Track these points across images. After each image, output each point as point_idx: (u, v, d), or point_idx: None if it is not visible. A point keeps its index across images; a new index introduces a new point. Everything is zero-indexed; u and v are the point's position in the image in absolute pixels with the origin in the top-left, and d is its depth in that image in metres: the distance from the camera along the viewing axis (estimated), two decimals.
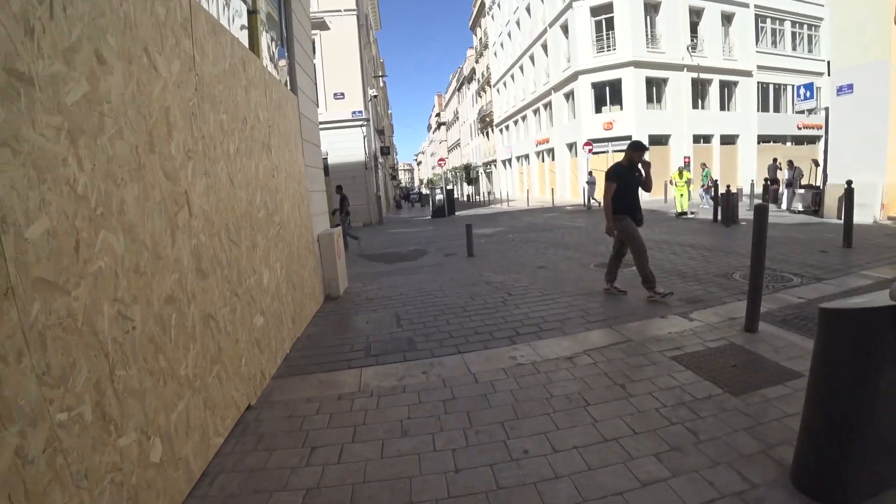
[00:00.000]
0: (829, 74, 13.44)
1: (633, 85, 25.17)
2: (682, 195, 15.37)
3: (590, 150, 24.00)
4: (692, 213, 15.40)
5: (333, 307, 6.00)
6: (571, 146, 28.78)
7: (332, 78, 19.69)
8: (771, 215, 14.13)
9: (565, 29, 28.03)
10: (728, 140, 29.07)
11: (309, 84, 6.62)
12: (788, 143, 31.91)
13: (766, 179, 19.18)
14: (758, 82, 29.75)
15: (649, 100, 26.17)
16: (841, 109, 12.43)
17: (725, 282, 6.01)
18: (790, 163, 16.10)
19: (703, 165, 18.40)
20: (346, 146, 19.62)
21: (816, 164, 17.07)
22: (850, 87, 12.10)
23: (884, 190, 11.75)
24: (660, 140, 26.23)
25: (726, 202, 12.64)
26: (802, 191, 15.07)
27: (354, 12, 20.14)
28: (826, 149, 13.37)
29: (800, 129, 32.04)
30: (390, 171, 47.78)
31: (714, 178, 16.70)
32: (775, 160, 16.50)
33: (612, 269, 5.75)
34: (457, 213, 23.60)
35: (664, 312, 4.79)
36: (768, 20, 30.34)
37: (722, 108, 28.86)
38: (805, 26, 32.26)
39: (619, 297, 5.52)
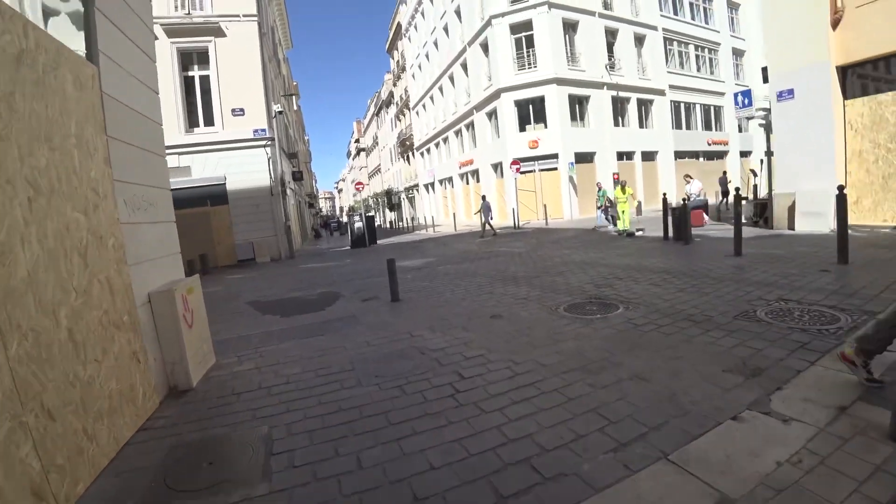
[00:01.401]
0: (764, 81, 12.92)
1: (557, 102, 24.55)
2: (623, 212, 14.22)
3: (517, 170, 22.89)
4: (638, 231, 14.28)
5: (173, 414, 3.56)
6: (497, 166, 27.71)
7: (229, 91, 16.98)
8: (715, 229, 13.52)
9: (485, 47, 27.16)
10: (648, 156, 29.43)
11: (139, 57, 4.27)
12: (701, 159, 33.07)
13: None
14: (670, 101, 30.54)
15: (573, 117, 25.70)
16: (783, 116, 11.81)
17: (758, 327, 4.29)
18: (724, 174, 15.62)
19: (599, 185, 18.00)
20: (246, 169, 16.86)
21: (754, 173, 16.82)
22: (791, 91, 11.50)
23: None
24: (585, 157, 25.77)
25: (682, 218, 11.51)
26: (744, 202, 14.46)
27: (255, 18, 17.66)
28: (769, 157, 12.84)
29: (710, 144, 33.47)
30: (307, 198, 44.57)
31: (609, 199, 16.85)
32: (686, 176, 15.90)
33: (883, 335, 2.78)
34: (379, 242, 21.33)
35: (728, 403, 2.90)
36: (675, 43, 31.50)
37: (641, 125, 29.19)
38: (707, 50, 33.98)
39: (643, 379, 3.50)
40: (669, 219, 11.95)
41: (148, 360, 3.63)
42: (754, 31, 36.99)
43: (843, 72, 10.89)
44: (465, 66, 30.51)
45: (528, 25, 24.92)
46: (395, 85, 52.35)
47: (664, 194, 12.74)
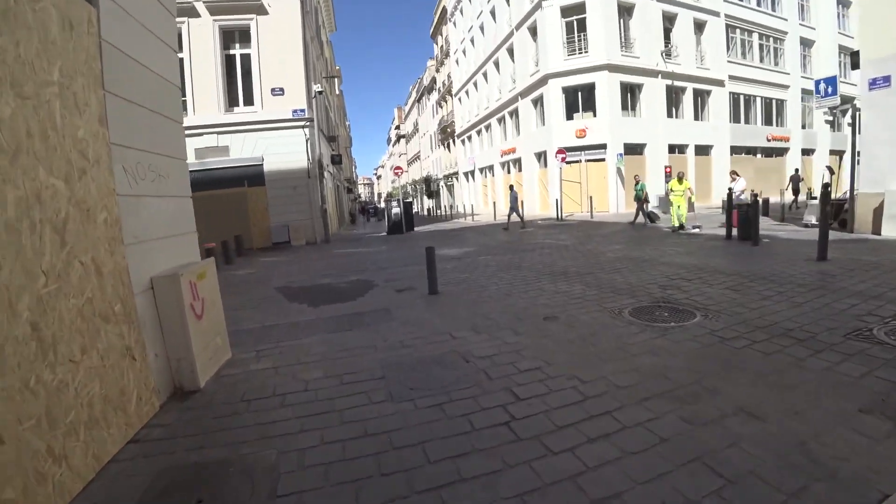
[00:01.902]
0: (852, 68, 11.55)
1: (608, 90, 23.27)
2: (679, 206, 13.12)
3: (563, 159, 21.83)
4: (694, 227, 13.16)
5: (172, 422, 3.02)
6: (540, 156, 26.68)
7: (270, 70, 16.64)
8: (783, 231, 12.26)
9: (533, 31, 26.04)
10: (702, 150, 27.78)
11: (154, 8, 3.72)
12: (759, 155, 31.10)
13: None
14: (729, 92, 28.67)
15: (623, 107, 24.35)
16: (875, 106, 10.51)
17: (883, 351, 3.42)
18: (797, 171, 14.23)
19: (637, 178, 16.85)
20: (285, 150, 16.53)
21: (831, 171, 15.35)
22: (887, 79, 10.20)
23: None
24: (635, 149, 24.44)
25: (752, 215, 10.41)
26: (815, 201, 13.17)
27: None
28: (853, 153, 11.49)
29: (769, 140, 31.36)
30: (346, 183, 44.53)
31: (647, 193, 16.16)
32: (733, 173, 14.48)
33: None
34: (416, 229, 20.75)
35: (888, 462, 2.12)
36: (738, 31, 29.52)
37: (696, 117, 27.51)
38: (772, 39, 31.74)
39: (754, 415, 2.72)
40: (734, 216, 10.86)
41: (146, 357, 3.09)
42: (826, 19, 34.39)
43: None
44: (511, 52, 29.44)
45: (580, 8, 23.64)
46: (437, 71, 51.55)
47: (729, 189, 11.58)
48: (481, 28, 34.58)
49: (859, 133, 11.22)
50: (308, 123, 16.75)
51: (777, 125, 32.39)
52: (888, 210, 10.26)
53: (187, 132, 17.14)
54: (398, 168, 20.29)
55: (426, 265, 6.28)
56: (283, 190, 16.56)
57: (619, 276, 6.87)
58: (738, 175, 14.26)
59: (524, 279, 6.99)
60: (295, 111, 16.63)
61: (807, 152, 34.14)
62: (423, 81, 60.18)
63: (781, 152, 32.63)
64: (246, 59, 16.89)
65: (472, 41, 37.15)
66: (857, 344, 3.61)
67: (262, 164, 16.58)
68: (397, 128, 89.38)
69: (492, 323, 4.77)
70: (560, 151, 21.80)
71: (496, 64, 32.21)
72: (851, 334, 3.85)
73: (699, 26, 27.24)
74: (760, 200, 11.49)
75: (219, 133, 16.33)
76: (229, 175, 16.22)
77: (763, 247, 9.29)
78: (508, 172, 32.18)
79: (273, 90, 16.65)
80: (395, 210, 19.59)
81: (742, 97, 29.93)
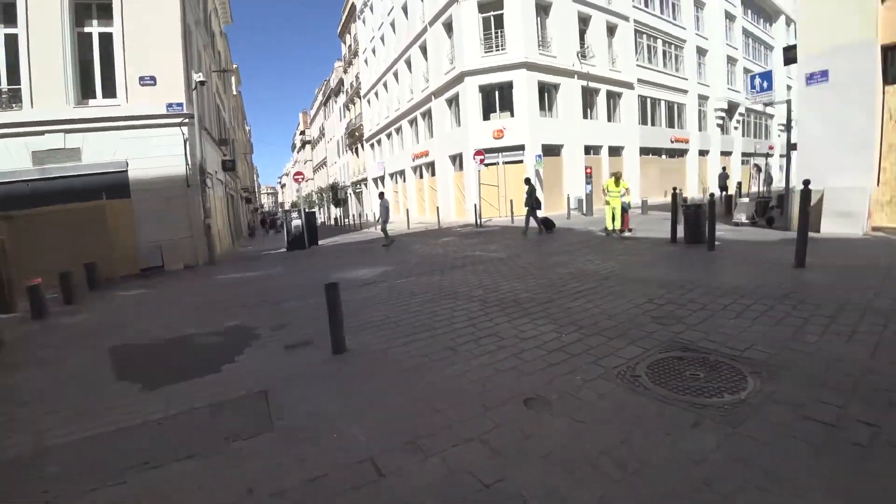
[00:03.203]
0: (784, 63, 11.11)
1: (526, 89, 22.33)
2: (615, 208, 12.08)
3: (481, 161, 20.47)
4: (630, 230, 12.19)
5: None
6: (456, 158, 25.26)
7: (138, 55, 13.42)
8: (724, 231, 11.50)
9: (449, 27, 24.59)
10: (615, 151, 27.99)
11: None
12: (664, 156, 32.07)
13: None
14: (638, 95, 29.18)
15: (541, 107, 23.58)
16: (812, 102, 10.02)
17: None
18: (724, 170, 13.85)
19: (527, 180, 15.40)
20: (156, 153, 13.39)
21: (758, 169, 15.19)
22: (825, 73, 9.74)
23: (870, 196, 9.43)
24: (552, 150, 23.77)
25: (696, 216, 9.43)
26: (746, 199, 12.76)
27: None
28: (788, 149, 11.04)
29: (672, 142, 32.50)
30: (244, 192, 40.45)
31: (537, 198, 14.78)
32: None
33: None
34: (321, 243, 18.17)
35: None
36: (645, 36, 30.26)
37: (609, 118, 27.59)
38: (673, 46, 33.02)
39: None
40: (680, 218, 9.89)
41: None
42: (718, 31, 36.63)
43: (886, 53, 9.23)
44: (424, 49, 27.82)
45: (497, 4, 22.53)
46: (345, 72, 48.92)
47: (675, 188, 10.62)
48: (392, 25, 32.70)
49: (794, 130, 10.79)
50: (187, 121, 13.77)
51: (678, 128, 33.71)
52: (828, 207, 9.81)
53: (22, 129, 13.59)
54: (299, 174, 17.67)
55: (328, 309, 4.17)
56: (154, 202, 13.39)
57: (591, 303, 5.23)
58: (621, 176, 13.88)
59: (468, 316, 5.13)
60: (170, 105, 13.58)
61: (703, 153, 36.02)
62: (330, 83, 57.17)
63: (682, 153, 34.06)
64: (106, 39, 13.54)
65: (382, 39, 35.18)
66: None
67: (125, 171, 13.32)
68: (302, 133, 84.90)
69: (443, 424, 2.78)
70: (478, 153, 20.43)
71: (408, 63, 30.47)
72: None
73: (611, 30, 27.37)
74: (717, 198, 10.68)
75: (67, 132, 12.92)
76: (81, 185, 12.87)
77: (721, 251, 8.24)
78: (421, 177, 30.56)
79: (142, 79, 13.51)
80: (296, 222, 16.86)
81: (649, 100, 30.68)
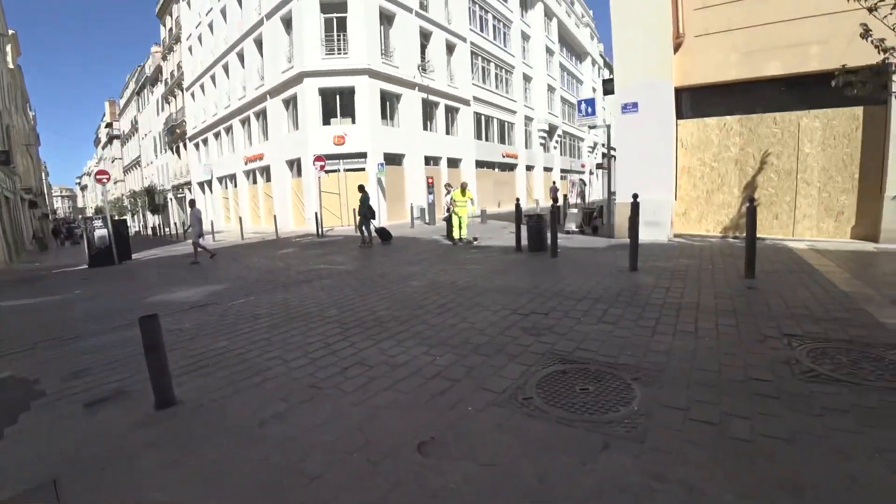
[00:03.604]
0: (603, 94, 12.59)
1: (368, 96, 22.04)
2: (461, 217, 12.45)
3: (322, 167, 19.58)
4: (475, 239, 12.64)
5: None
6: (293, 163, 23.95)
7: None
8: (559, 238, 12.62)
9: (287, 23, 23.15)
10: (453, 163, 29.28)
11: None
12: (496, 169, 34.55)
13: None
14: (474, 112, 30.97)
15: (383, 115, 23.53)
16: (626, 127, 11.56)
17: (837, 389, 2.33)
18: (554, 184, 15.21)
19: (361, 188, 14.54)
20: None
21: (584, 183, 16.91)
22: (636, 105, 11.30)
23: (672, 208, 11.21)
24: (394, 159, 23.89)
25: (539, 227, 10.08)
26: (575, 210, 14.19)
27: None
28: (609, 166, 12.51)
29: (504, 157, 35.26)
30: (27, 194, 32.92)
31: (371, 207, 14.10)
32: (447, 185, 15.21)
33: None
34: (135, 257, 15.35)
35: None
36: (480, 58, 32.29)
37: (447, 132, 28.75)
38: (504, 70, 35.88)
39: None
40: (524, 228, 10.52)
41: None
42: (540, 62, 40.93)
43: (679, 93, 11.10)
44: (259, 43, 25.81)
45: (341, 7, 21.87)
46: (164, 59, 43.18)
47: (517, 199, 11.27)
48: (223, 12, 29.73)
49: (613, 151, 12.30)
50: None
51: (508, 144, 36.69)
52: (641, 217, 11.35)
53: None
54: (103, 173, 14.68)
55: (144, 349, 3.17)
56: None
57: (456, 317, 5.04)
58: (451, 186, 14.79)
59: (325, 341, 4.49)
60: None
61: (529, 168, 39.82)
62: (146, 70, 50.02)
63: (512, 167, 37.17)
64: None
65: (210, 27, 31.77)
66: (818, 388, 2.52)
67: None
68: (109, 126, 72.82)
69: (323, 498, 2.14)
70: (319, 159, 19.50)
71: (240, 56, 27.98)
72: (806, 376, 2.79)
73: (450, 48, 28.60)
74: (560, 208, 11.58)
75: None
76: None
77: (562, 258, 8.89)
78: (255, 182, 28.34)
79: None
80: (100, 232, 13.79)
81: (483, 117, 32.80)
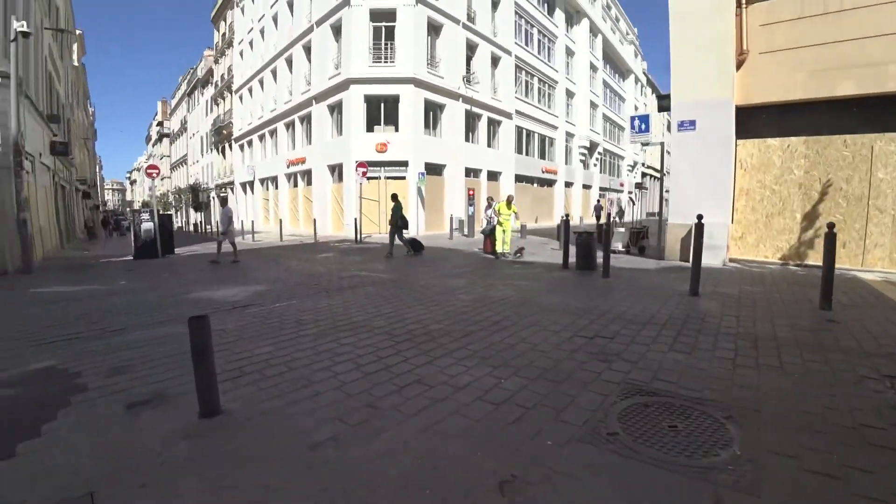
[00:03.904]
0: (658, 111, 12.12)
1: (413, 105, 22.02)
2: (505, 231, 12.14)
3: (364, 174, 19.49)
4: (517, 254, 12.27)
5: None
6: (335, 169, 24.06)
7: None
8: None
9: (337, 30, 23.46)
10: (493, 176, 28.99)
11: None
12: (535, 185, 34.06)
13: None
14: (516, 125, 30.66)
15: (426, 125, 23.45)
16: (682, 146, 11.04)
17: None
18: (598, 202, 14.73)
19: (394, 196, 13.85)
20: None
21: (633, 202, 16.37)
22: (693, 123, 10.77)
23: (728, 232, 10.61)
24: (435, 169, 23.72)
25: (588, 244, 9.65)
26: (623, 229, 13.67)
27: None
28: (661, 186, 11.98)
29: (543, 172, 34.73)
30: (81, 185, 34.34)
31: (404, 216, 13.55)
32: (489, 198, 14.67)
33: None
34: (178, 252, 15.44)
35: None
36: (523, 72, 32.02)
37: (489, 144, 28.51)
38: (546, 84, 35.47)
39: None
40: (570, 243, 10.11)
41: None
42: (583, 78, 40.42)
43: (739, 112, 10.59)
44: (308, 49, 26.24)
45: (391, 15, 22.02)
46: (216, 62, 44.62)
47: (566, 215, 10.88)
48: (274, 19, 30.49)
49: (668, 170, 11.77)
50: (0, 81, 10.87)
51: (548, 159, 36.18)
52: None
53: None
54: (154, 168, 15.04)
55: (192, 353, 2.92)
56: None
57: (514, 336, 4.68)
58: (493, 200, 14.40)
59: (376, 354, 4.20)
60: None
61: (568, 185, 39.17)
62: (197, 73, 51.87)
63: (551, 183, 36.60)
64: None
65: (261, 32, 32.64)
66: None
67: None
68: (160, 124, 75.85)
69: None
70: (361, 165, 19.44)
71: (289, 61, 28.54)
72: None
73: (495, 61, 28.47)
74: (610, 225, 11.12)
75: None
76: None
77: (615, 279, 8.42)
78: (295, 186, 28.63)
79: None
80: (146, 225, 14.04)
81: (524, 131, 32.45)
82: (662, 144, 11.90)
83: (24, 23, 10.86)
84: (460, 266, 10.65)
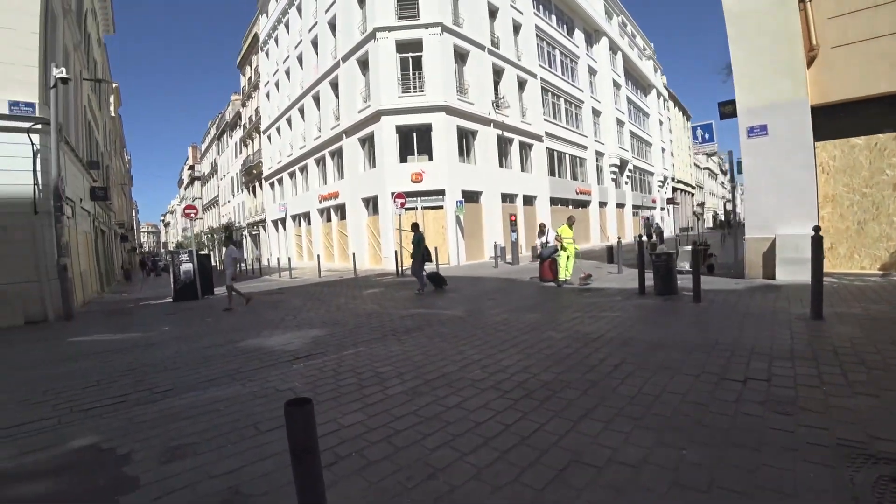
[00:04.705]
0: (721, 118, 11.24)
1: (445, 133, 21.56)
2: (569, 257, 11.26)
3: (402, 205, 18.90)
4: (583, 281, 11.33)
5: None
6: (370, 201, 23.59)
7: None
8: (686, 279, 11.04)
9: (364, 64, 23.40)
10: (528, 200, 28.25)
11: None
12: (570, 206, 33.14)
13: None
14: (546, 147, 30.03)
15: (460, 152, 22.93)
16: (754, 153, 10.11)
17: None
18: (647, 219, 13.73)
19: (415, 226, 12.82)
20: None
21: (697, 217, 15.33)
22: (764, 128, 9.88)
23: None
24: (471, 197, 23.06)
25: (668, 267, 8.69)
26: (688, 248, 12.62)
27: None
28: (734, 197, 11.01)
29: (577, 193, 33.82)
30: (119, 228, 34.90)
31: (427, 247, 12.39)
32: (542, 224, 13.66)
33: None
34: (216, 292, 14.83)
35: None
36: (549, 94, 31.56)
37: (522, 168, 27.89)
38: (573, 105, 34.97)
39: None
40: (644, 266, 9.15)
41: None
42: (608, 96, 39.88)
43: (815, 112, 9.63)
44: (335, 85, 26.27)
45: (417, 46, 21.85)
46: (244, 105, 45.63)
47: (639, 235, 9.96)
48: (299, 59, 30.87)
49: (741, 181, 10.84)
50: (39, 127, 10.68)
51: (581, 180, 35.32)
52: (780, 254, 9.75)
53: None
54: (191, 208, 14.75)
55: (291, 453, 1.96)
56: None
57: (652, 385, 3.74)
58: (546, 226, 13.46)
59: (497, 420, 3.31)
60: (15, 104, 10.37)
61: (602, 205, 38.12)
62: (226, 117, 53.14)
63: (586, 204, 35.64)
64: None
65: (287, 73, 33.11)
66: None
67: None
68: (191, 168, 78.01)
69: None
70: (399, 196, 18.87)
71: (315, 98, 28.67)
72: None
73: (521, 84, 28.12)
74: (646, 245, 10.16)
75: None
76: None
77: (710, 304, 7.40)
78: (329, 220, 28.28)
79: None
80: (186, 266, 13.63)
81: (555, 153, 31.77)
82: (731, 153, 10.93)
83: (63, 69, 10.71)
84: (526, 297, 9.74)
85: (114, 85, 35.49)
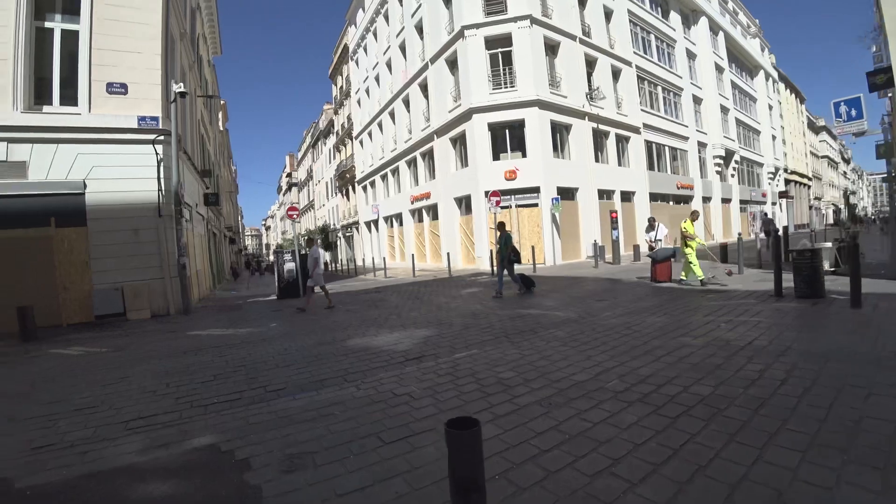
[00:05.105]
0: (870, 90, 9.63)
1: (539, 128, 20.82)
2: (694, 252, 10.33)
3: (497, 203, 18.43)
4: (711, 278, 10.29)
5: None
6: (462, 201, 23.37)
7: (107, 58, 11.22)
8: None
9: (452, 63, 23.30)
10: (626, 197, 26.67)
11: None
12: (671, 202, 30.91)
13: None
14: (644, 140, 28.18)
15: (554, 148, 22.05)
16: None
17: None
18: (765, 214, 12.17)
19: (501, 225, 12.02)
20: (122, 173, 10.95)
21: (837, 208, 13.54)
22: None
23: None
24: (567, 194, 22.07)
25: (812, 267, 7.49)
26: (829, 244, 11.02)
27: None
28: (891, 186, 9.40)
29: (678, 188, 31.46)
30: (227, 232, 37.84)
31: (514, 247, 11.48)
32: (650, 219, 12.11)
33: None
34: (317, 290, 15.30)
35: None
36: (646, 82, 29.69)
37: (619, 163, 26.33)
38: (671, 93, 32.65)
39: None
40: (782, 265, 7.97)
41: None
42: (710, 81, 36.73)
43: None
44: (424, 87, 26.46)
45: (506, 41, 21.35)
46: (336, 113, 47.71)
47: (776, 231, 8.77)
48: (388, 65, 31.56)
49: (865, 168, 9.15)
50: (162, 138, 11.56)
51: (682, 174, 32.82)
52: None
53: None
54: (293, 209, 15.43)
55: (451, 487, 1.61)
56: (117, 233, 10.91)
57: (844, 408, 3.00)
58: (656, 221, 12.11)
59: (658, 441, 2.80)
60: (143, 119, 11.34)
61: (706, 200, 35.14)
62: (319, 125, 55.97)
63: (688, 200, 33.01)
64: (70, 37, 11.28)
65: (376, 79, 34.00)
66: None
67: (83, 193, 10.85)
68: (288, 175, 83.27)
69: None
70: (494, 194, 18.42)
71: (406, 101, 29.09)
72: None
73: (615, 74, 26.65)
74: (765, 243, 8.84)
75: (11, 140, 10.50)
76: (23, 207, 10.40)
77: (873, 309, 6.20)
78: (420, 221, 28.50)
79: (110, 86, 11.28)
80: (289, 265, 14.23)
81: (654, 145, 29.75)
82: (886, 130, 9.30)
83: (182, 84, 11.52)
84: (640, 298, 8.91)
85: (221, 102, 38.55)
